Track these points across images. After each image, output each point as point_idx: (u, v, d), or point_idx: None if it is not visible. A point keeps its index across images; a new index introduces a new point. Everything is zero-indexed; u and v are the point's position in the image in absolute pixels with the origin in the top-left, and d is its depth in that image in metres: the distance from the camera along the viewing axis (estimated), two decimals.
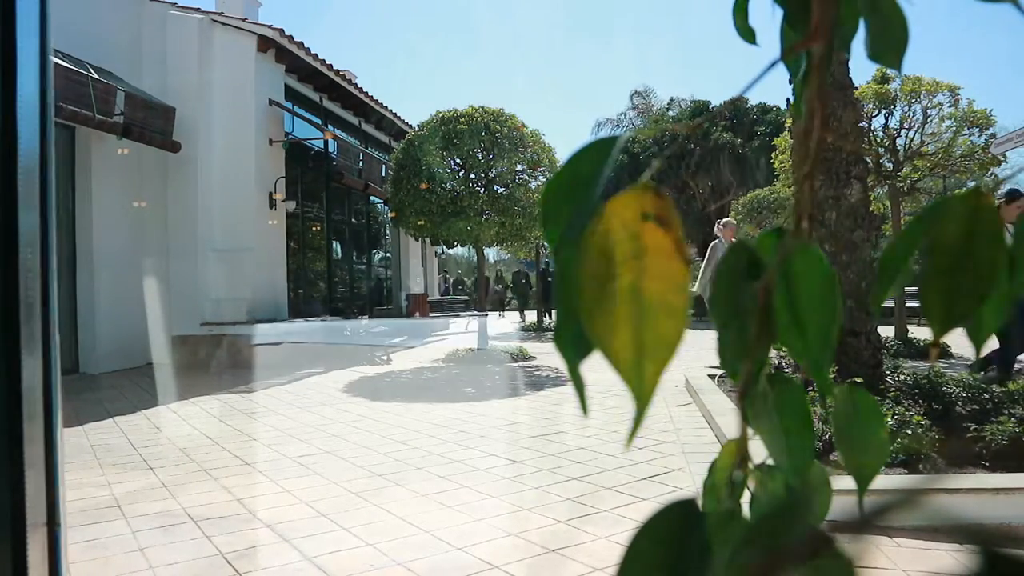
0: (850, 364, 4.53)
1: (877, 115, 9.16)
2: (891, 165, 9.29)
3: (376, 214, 15.02)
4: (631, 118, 24.57)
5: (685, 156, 20.07)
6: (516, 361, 8.70)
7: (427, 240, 10.84)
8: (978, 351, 0.38)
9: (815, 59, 0.35)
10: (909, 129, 9.20)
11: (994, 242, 0.33)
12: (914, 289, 0.35)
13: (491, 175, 8.78)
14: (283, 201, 10.30)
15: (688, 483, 3.29)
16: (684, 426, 4.54)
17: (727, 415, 4.25)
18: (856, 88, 5.45)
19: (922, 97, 8.96)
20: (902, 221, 9.43)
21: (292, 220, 11.00)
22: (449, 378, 7.59)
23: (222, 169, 9.52)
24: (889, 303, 9.08)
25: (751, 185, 16.58)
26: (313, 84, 11.67)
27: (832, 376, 0.38)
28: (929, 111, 9.06)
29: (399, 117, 14.70)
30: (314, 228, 12.41)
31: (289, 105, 10.62)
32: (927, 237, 0.34)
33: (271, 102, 10.09)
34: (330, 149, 11.63)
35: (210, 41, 9.65)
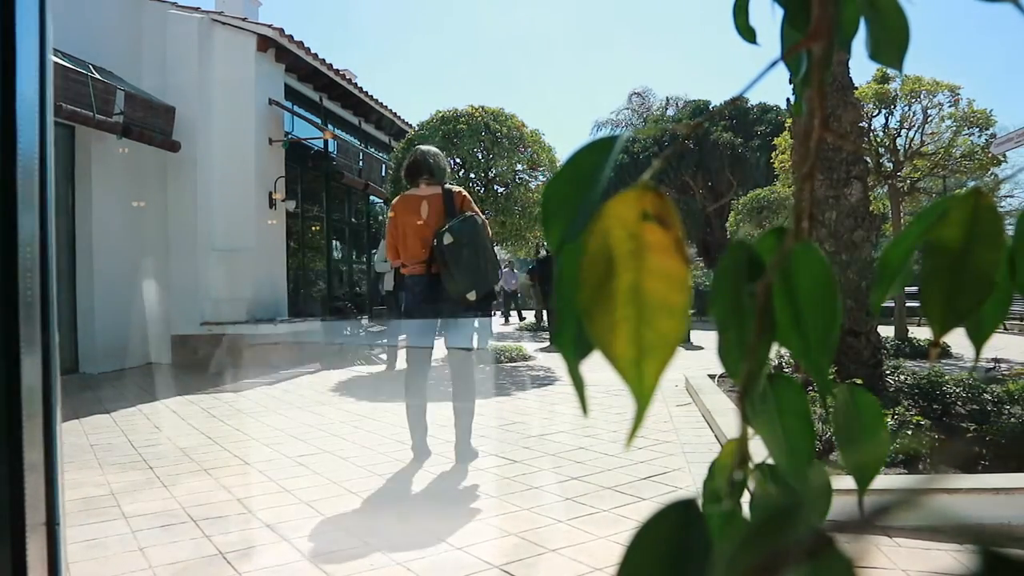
0: (850, 364, 4.53)
1: (877, 115, 9.16)
2: (891, 165, 9.30)
3: (376, 214, 15.01)
4: (629, 118, 24.58)
5: (685, 156, 20.08)
6: (515, 361, 8.70)
7: None
8: (978, 351, 0.38)
9: (815, 59, 0.35)
10: (909, 129, 9.21)
11: (994, 242, 0.33)
12: (914, 289, 0.35)
13: (491, 175, 8.78)
14: (283, 201, 10.30)
15: (688, 483, 3.29)
16: (684, 426, 4.54)
17: (727, 415, 4.25)
18: (856, 88, 5.45)
19: (922, 97, 8.97)
20: (902, 221, 9.43)
21: (292, 220, 10.99)
22: (448, 377, 7.57)
23: (222, 169, 9.52)
24: (889, 303, 9.08)
25: (751, 185, 16.57)
26: (313, 84, 11.66)
27: (832, 376, 0.38)
28: (929, 111, 9.07)
29: (399, 117, 14.69)
30: (314, 228, 12.40)
31: (289, 105, 10.61)
32: (927, 237, 0.34)
33: (271, 102, 10.08)
34: (330, 149, 11.62)
35: (210, 41, 9.65)
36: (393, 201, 3.97)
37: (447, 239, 3.54)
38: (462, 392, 3.90)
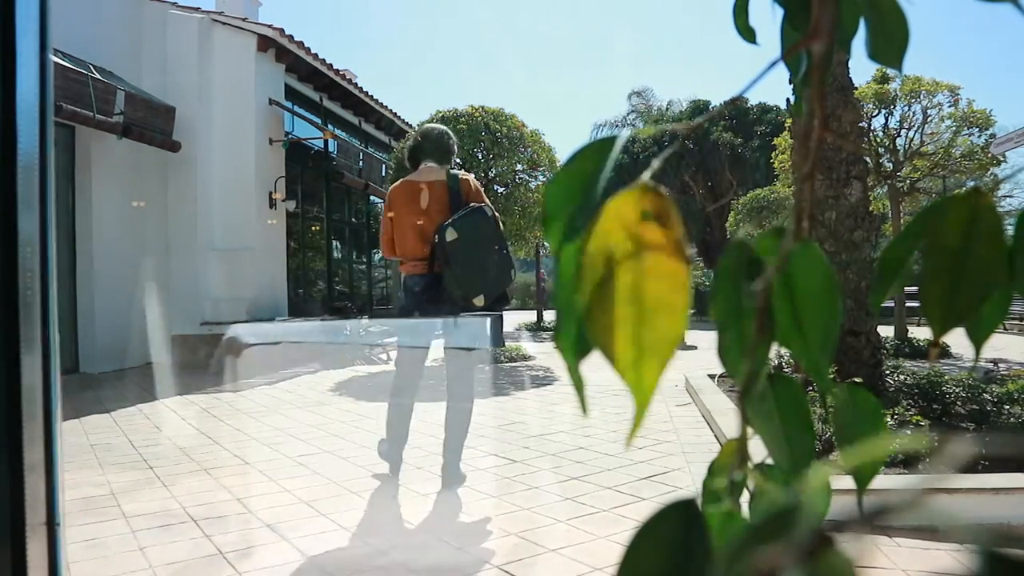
0: (850, 364, 4.53)
1: (877, 115, 9.17)
2: (891, 165, 9.31)
3: (376, 214, 15.01)
4: (633, 120, 24.56)
5: (685, 156, 20.08)
6: (515, 360, 8.70)
7: None
8: (978, 351, 0.38)
9: (815, 59, 0.35)
10: (909, 129, 9.21)
11: (994, 242, 0.33)
12: (914, 289, 0.35)
13: (491, 175, 8.78)
14: (283, 201, 10.30)
15: (688, 483, 3.29)
16: (684, 426, 4.54)
17: (727, 415, 4.25)
18: (856, 88, 5.45)
19: (922, 97, 8.97)
20: (902, 221, 9.44)
21: (292, 220, 10.99)
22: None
23: (222, 169, 9.52)
24: (889, 303, 9.08)
25: (751, 185, 16.56)
26: (313, 84, 11.66)
27: (832, 376, 0.38)
28: (929, 111, 9.08)
29: (399, 117, 14.69)
30: (314, 228, 12.40)
31: (289, 105, 10.61)
32: (927, 237, 0.34)
33: (271, 102, 10.08)
34: (330, 149, 11.62)
35: (210, 41, 9.65)
36: (391, 188, 3.42)
37: (450, 235, 3.05)
38: (458, 406, 3.39)
